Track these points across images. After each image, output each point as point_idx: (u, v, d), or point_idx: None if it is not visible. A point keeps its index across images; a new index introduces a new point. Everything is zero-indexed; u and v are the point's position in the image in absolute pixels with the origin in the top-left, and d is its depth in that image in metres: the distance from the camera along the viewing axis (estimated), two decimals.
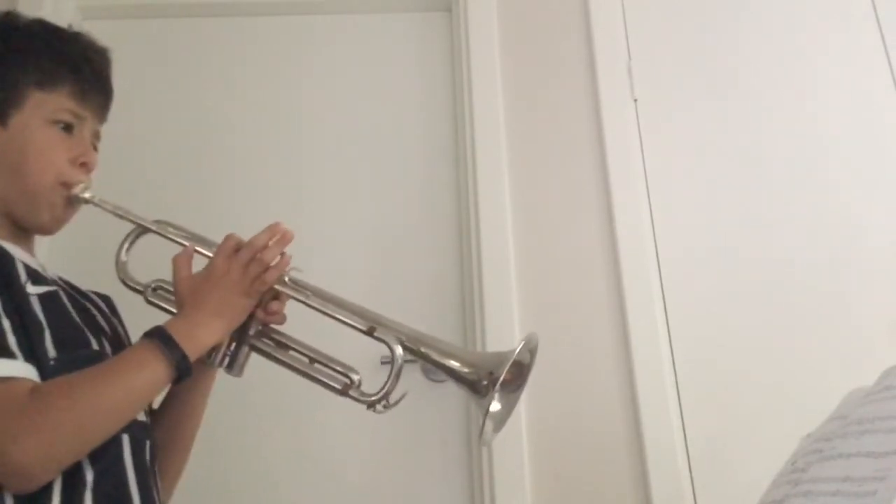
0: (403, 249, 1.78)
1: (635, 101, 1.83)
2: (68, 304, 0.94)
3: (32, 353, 0.84)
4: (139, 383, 0.87)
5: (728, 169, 1.79)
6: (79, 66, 1.01)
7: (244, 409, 1.46)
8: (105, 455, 0.87)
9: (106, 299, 1.11)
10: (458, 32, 1.90)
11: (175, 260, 0.99)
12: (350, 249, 1.76)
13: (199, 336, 0.92)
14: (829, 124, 1.82)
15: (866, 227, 1.74)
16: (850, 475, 0.73)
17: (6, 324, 0.83)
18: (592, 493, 1.55)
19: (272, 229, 0.99)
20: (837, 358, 1.60)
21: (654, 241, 1.72)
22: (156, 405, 1.08)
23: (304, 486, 1.60)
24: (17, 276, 0.89)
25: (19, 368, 0.82)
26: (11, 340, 0.82)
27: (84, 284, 1.08)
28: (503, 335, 1.62)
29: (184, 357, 0.89)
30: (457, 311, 1.73)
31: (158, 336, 0.89)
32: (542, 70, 1.87)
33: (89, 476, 0.85)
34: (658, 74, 1.85)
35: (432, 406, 1.63)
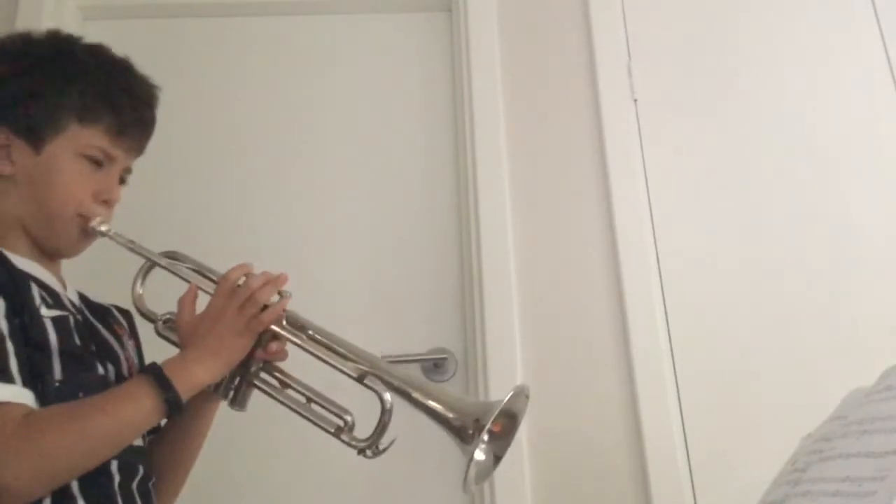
0: (403, 249, 1.78)
1: (635, 101, 1.83)
2: (75, 334, 0.96)
3: (35, 377, 0.86)
4: (129, 416, 0.89)
5: (728, 169, 1.79)
6: (120, 104, 1.04)
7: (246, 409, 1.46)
8: (94, 480, 0.89)
9: (126, 315, 1.14)
10: (458, 32, 1.90)
11: (179, 302, 1.02)
12: (349, 249, 1.76)
13: (194, 374, 0.94)
14: (829, 124, 1.82)
15: (866, 226, 1.73)
16: (850, 475, 0.73)
17: (10, 347, 0.85)
18: (593, 495, 1.55)
19: (269, 273, 1.01)
20: (837, 358, 1.60)
21: (654, 241, 1.71)
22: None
23: (305, 485, 1.60)
24: (31, 299, 0.91)
25: (16, 393, 0.84)
26: (13, 364, 0.84)
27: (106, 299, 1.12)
28: (503, 336, 1.62)
29: (175, 395, 0.91)
30: (457, 312, 1.72)
31: (152, 372, 0.92)
32: (542, 70, 1.87)
33: (80, 502, 0.87)
34: (658, 74, 1.85)
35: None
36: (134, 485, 0.96)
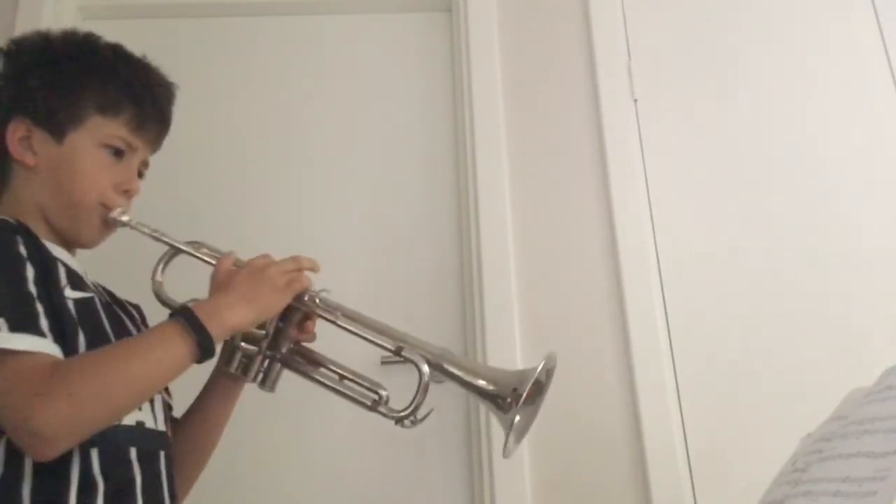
0: (403, 249, 1.78)
1: (635, 101, 1.83)
2: (102, 313, 0.96)
3: (66, 347, 0.86)
4: (161, 358, 0.89)
5: (728, 169, 1.79)
6: (141, 97, 1.05)
7: (247, 406, 1.46)
8: (113, 466, 0.89)
9: (137, 308, 1.14)
10: (458, 32, 1.90)
11: (218, 261, 1.03)
12: (350, 249, 1.76)
13: (225, 317, 0.93)
14: (829, 124, 1.83)
15: (866, 226, 1.74)
16: (850, 475, 0.73)
17: (39, 308, 0.85)
18: (593, 493, 1.55)
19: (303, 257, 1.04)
20: (837, 358, 1.60)
21: (654, 241, 1.72)
22: (177, 415, 1.11)
23: (305, 485, 1.60)
24: (57, 279, 0.91)
25: (46, 346, 0.83)
26: (43, 323, 0.84)
27: (120, 292, 1.12)
28: (503, 336, 1.62)
29: (207, 337, 0.90)
30: (457, 312, 1.73)
31: (183, 315, 0.91)
32: (542, 70, 1.87)
33: (100, 486, 0.87)
34: (658, 74, 1.85)
35: (433, 406, 1.63)
36: (156, 470, 0.95)
